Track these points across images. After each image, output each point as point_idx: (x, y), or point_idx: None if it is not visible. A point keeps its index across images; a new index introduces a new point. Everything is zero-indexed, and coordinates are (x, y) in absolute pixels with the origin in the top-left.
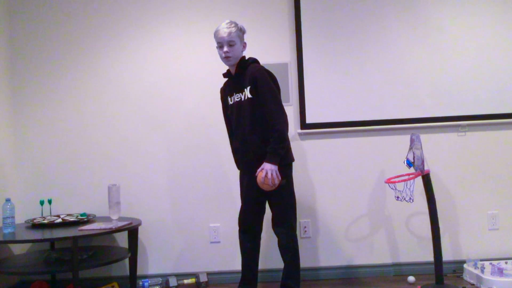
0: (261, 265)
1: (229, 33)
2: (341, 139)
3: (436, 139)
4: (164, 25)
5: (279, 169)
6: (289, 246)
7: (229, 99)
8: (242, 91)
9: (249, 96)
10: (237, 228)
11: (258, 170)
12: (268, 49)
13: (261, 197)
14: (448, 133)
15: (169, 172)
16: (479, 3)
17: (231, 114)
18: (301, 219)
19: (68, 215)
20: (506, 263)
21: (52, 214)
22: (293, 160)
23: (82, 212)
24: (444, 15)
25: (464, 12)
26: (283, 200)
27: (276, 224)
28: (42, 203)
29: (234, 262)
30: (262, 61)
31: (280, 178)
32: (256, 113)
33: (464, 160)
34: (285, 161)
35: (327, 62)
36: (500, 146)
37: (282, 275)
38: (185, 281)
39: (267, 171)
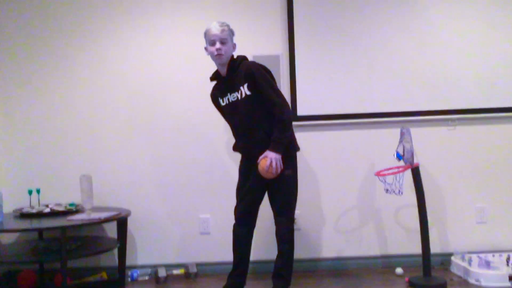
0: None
1: (222, 31)
2: (332, 131)
3: (426, 132)
4: (154, 20)
5: (286, 159)
6: (287, 238)
7: (221, 100)
8: (237, 90)
9: (248, 93)
10: (227, 219)
11: (261, 157)
12: (260, 41)
13: (265, 189)
14: (438, 126)
15: (159, 163)
16: None
17: (227, 115)
18: None
19: (56, 205)
20: (493, 256)
21: (41, 203)
22: (298, 149)
23: (71, 202)
24: (436, 10)
25: (455, 7)
26: (289, 190)
27: (279, 214)
28: (30, 192)
29: (224, 253)
30: (253, 53)
31: (282, 167)
32: (257, 109)
33: (453, 153)
34: (292, 151)
35: (319, 54)
36: (489, 141)
37: (276, 265)
38: (174, 272)
39: (272, 160)
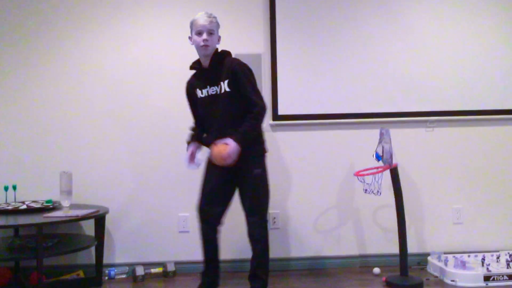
0: (227, 255)
1: (210, 22)
2: (312, 131)
3: (405, 133)
4: (135, 15)
5: (256, 158)
6: (260, 237)
7: (199, 91)
8: (217, 84)
9: (227, 89)
10: None
11: (221, 141)
12: (241, 39)
13: (232, 187)
14: (416, 128)
15: (138, 160)
16: (450, 2)
17: (203, 107)
18: (271, 210)
19: (33, 201)
20: (468, 256)
21: (17, 200)
22: (267, 151)
23: (48, 199)
24: (416, 13)
25: (435, 11)
26: (259, 190)
27: (250, 214)
28: (6, 189)
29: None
30: (234, 52)
31: (236, 160)
32: (234, 107)
33: (431, 155)
34: (260, 151)
35: (301, 54)
36: (466, 143)
37: (251, 265)
38: (153, 270)
39: (232, 150)
